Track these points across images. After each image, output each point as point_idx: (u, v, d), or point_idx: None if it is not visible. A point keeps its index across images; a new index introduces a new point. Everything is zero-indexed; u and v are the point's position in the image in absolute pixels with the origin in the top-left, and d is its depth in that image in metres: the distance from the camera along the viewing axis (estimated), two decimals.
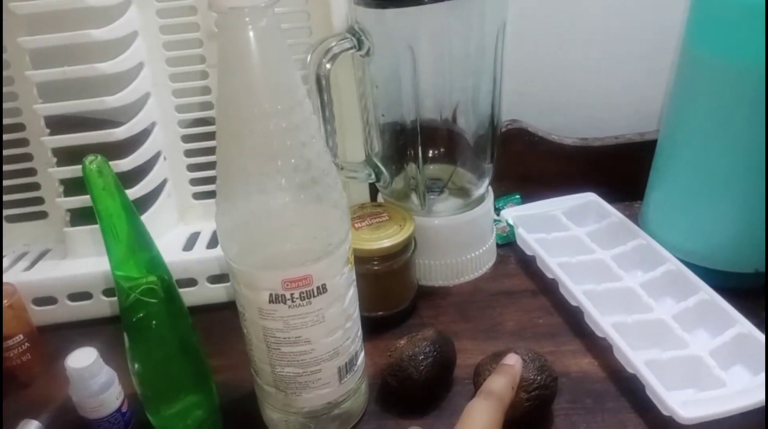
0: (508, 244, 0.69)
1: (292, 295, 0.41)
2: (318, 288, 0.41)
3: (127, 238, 0.39)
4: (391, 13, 0.54)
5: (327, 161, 0.40)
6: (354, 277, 0.45)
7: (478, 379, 0.48)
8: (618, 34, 0.72)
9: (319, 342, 0.43)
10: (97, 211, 0.38)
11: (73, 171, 0.61)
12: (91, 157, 0.38)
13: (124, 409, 0.49)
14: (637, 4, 0.70)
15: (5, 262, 0.65)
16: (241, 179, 0.38)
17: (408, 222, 0.57)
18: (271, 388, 0.45)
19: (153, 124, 0.64)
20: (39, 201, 0.67)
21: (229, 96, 0.37)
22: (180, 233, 0.67)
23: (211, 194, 0.69)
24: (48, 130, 0.62)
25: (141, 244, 0.40)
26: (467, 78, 0.59)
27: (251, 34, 0.35)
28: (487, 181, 0.64)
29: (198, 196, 0.69)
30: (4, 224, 0.67)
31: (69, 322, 0.61)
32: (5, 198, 0.66)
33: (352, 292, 0.45)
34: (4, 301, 0.52)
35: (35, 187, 0.66)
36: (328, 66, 0.55)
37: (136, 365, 0.44)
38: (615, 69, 0.74)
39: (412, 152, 0.60)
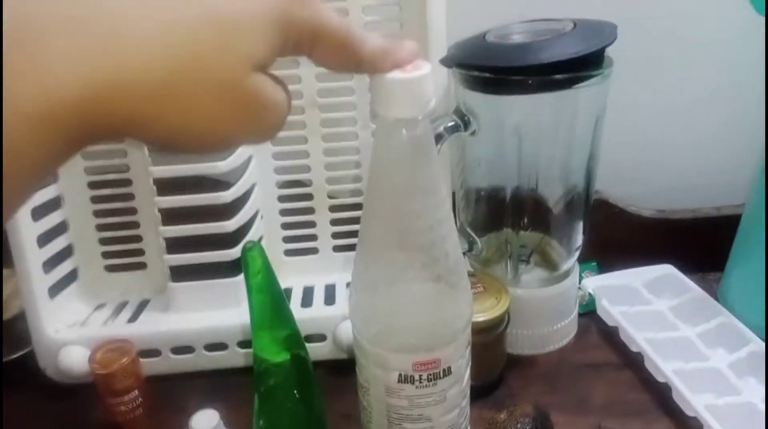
0: (587, 313, 0.70)
1: (420, 376, 0.43)
2: (444, 370, 0.43)
3: (271, 316, 0.42)
4: (501, 98, 0.57)
5: (459, 250, 0.42)
6: (470, 358, 0.47)
7: None
8: (698, 111, 0.74)
9: (438, 420, 0.45)
10: (249, 288, 0.41)
11: (179, 230, 0.64)
12: (250, 244, 0.41)
13: None
14: (720, 82, 0.73)
15: (107, 311, 0.68)
16: (387, 270, 0.40)
17: (503, 295, 0.59)
18: None
19: (253, 186, 0.67)
20: (139, 252, 0.70)
21: (379, 193, 0.40)
22: None
23: (301, 251, 0.72)
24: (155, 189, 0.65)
25: (283, 322, 0.43)
26: (566, 157, 0.61)
27: (407, 141, 0.38)
28: (576, 255, 0.66)
29: (289, 252, 0.72)
30: (104, 274, 0.70)
31: (169, 374, 0.64)
32: (107, 249, 0.69)
33: (468, 373, 0.47)
34: (124, 359, 0.55)
35: (137, 239, 0.70)
36: (437, 147, 0.57)
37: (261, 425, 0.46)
38: (694, 143, 0.76)
39: (510, 222, 0.62)
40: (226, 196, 0.63)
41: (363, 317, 0.44)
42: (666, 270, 0.72)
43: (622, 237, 0.75)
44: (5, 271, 0.71)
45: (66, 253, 0.67)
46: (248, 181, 0.66)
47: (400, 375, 0.43)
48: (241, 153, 0.64)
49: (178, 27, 0.22)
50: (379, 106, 0.36)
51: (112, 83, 0.21)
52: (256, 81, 0.25)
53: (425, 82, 0.34)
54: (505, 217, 0.64)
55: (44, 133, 0.20)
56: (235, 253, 0.65)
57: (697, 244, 0.74)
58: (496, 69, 0.55)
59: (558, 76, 0.53)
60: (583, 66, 0.54)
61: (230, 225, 0.64)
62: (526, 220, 0.66)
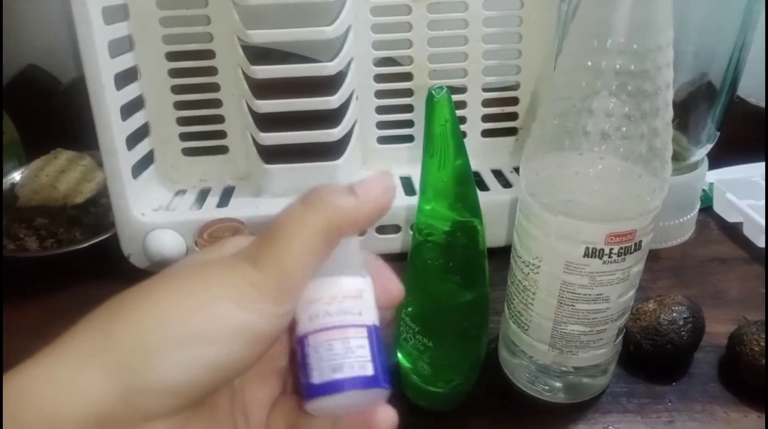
0: (702, 209, 0.66)
1: (611, 250, 0.38)
2: (635, 244, 0.39)
3: (452, 174, 0.37)
4: None
5: (669, 115, 0.37)
6: None
7: (742, 349, 0.46)
8: None
9: (616, 301, 0.41)
10: (430, 139, 0.36)
11: (278, 105, 0.57)
12: (437, 87, 0.35)
13: None
14: None
15: (190, 197, 0.62)
16: (596, 125, 0.35)
17: None
18: (543, 345, 0.43)
19: (351, 61, 0.60)
20: (221, 135, 0.64)
21: (599, 30, 0.34)
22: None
23: (396, 139, 0.66)
24: (245, 60, 0.58)
25: (464, 182, 0.37)
26: (711, 37, 0.55)
27: None
28: (708, 148, 0.60)
29: (382, 140, 0.66)
30: (181, 158, 0.64)
31: None
32: (185, 130, 0.63)
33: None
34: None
35: (218, 119, 0.63)
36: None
37: (414, 309, 0.41)
38: None
39: None
40: (330, 67, 0.57)
41: (551, 182, 0.38)
42: None
43: (737, 130, 0.70)
44: (70, 155, 0.65)
45: (142, 133, 0.61)
46: (348, 55, 0.59)
47: (587, 248, 0.38)
48: (344, 20, 0.57)
49: None
50: None
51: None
52: None
53: None
54: None
55: None
56: (337, 133, 0.59)
57: None
58: None
59: None
60: None
61: (334, 100, 0.58)
62: None
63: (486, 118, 0.65)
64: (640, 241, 0.39)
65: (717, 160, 0.68)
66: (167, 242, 0.56)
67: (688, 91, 0.59)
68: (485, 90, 0.64)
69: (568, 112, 0.36)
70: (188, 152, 0.64)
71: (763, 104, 0.70)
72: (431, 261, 0.40)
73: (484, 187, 0.62)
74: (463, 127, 0.66)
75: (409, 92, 0.64)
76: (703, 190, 0.66)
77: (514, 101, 0.65)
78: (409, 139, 0.66)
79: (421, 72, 0.63)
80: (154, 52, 0.59)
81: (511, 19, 0.62)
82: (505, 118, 0.66)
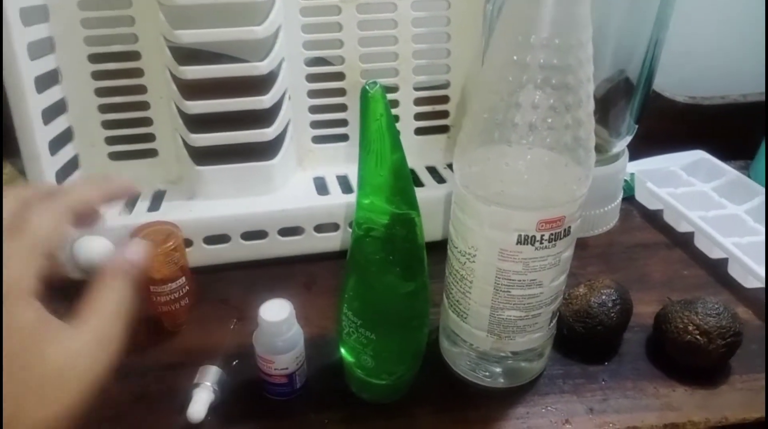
0: (624, 199, 0.69)
1: (542, 236, 0.39)
2: (565, 230, 0.40)
3: (389, 167, 0.37)
4: None
5: (591, 106, 0.39)
6: None
7: (667, 327, 0.49)
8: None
9: (548, 285, 0.42)
10: (366, 134, 0.36)
11: (209, 106, 0.57)
12: (371, 83, 0.35)
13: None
14: None
15: (117, 203, 0.60)
16: (524, 116, 0.36)
17: None
18: (482, 331, 0.44)
19: (282, 61, 0.60)
20: (149, 138, 0.62)
21: (522, 28, 0.35)
22: (303, 179, 0.64)
23: (331, 138, 0.66)
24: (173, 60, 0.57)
25: (400, 176, 0.38)
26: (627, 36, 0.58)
27: None
28: (627, 140, 0.63)
29: (317, 139, 0.66)
30: (108, 162, 0.62)
31: (203, 267, 0.58)
32: (111, 133, 0.61)
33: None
34: (170, 243, 0.48)
35: (147, 122, 0.62)
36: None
37: (356, 303, 0.42)
38: (720, 29, 0.75)
39: None
40: (261, 67, 0.56)
41: (483, 174, 0.39)
42: (699, 155, 0.72)
43: (654, 124, 0.73)
44: None
45: (65, 137, 0.59)
46: (279, 55, 0.59)
47: (520, 236, 0.39)
48: (274, 20, 0.57)
49: None
50: None
51: None
52: None
53: None
54: None
55: None
56: (271, 133, 0.59)
57: (727, 132, 0.74)
58: None
59: None
60: None
61: (266, 100, 0.57)
62: None
63: (418, 117, 0.67)
64: (569, 227, 0.40)
65: (636, 152, 0.72)
66: (96, 248, 0.53)
67: (608, 87, 0.62)
68: (417, 89, 0.65)
69: (497, 106, 0.37)
70: (115, 156, 0.62)
71: (677, 98, 0.74)
72: (372, 254, 0.40)
73: (419, 184, 0.63)
74: (396, 126, 0.66)
75: (341, 91, 0.64)
76: (625, 181, 0.69)
77: (445, 100, 0.67)
78: (344, 138, 0.66)
79: (353, 71, 0.64)
80: (77, 54, 0.58)
81: (438, 19, 0.63)
82: (436, 117, 0.67)
